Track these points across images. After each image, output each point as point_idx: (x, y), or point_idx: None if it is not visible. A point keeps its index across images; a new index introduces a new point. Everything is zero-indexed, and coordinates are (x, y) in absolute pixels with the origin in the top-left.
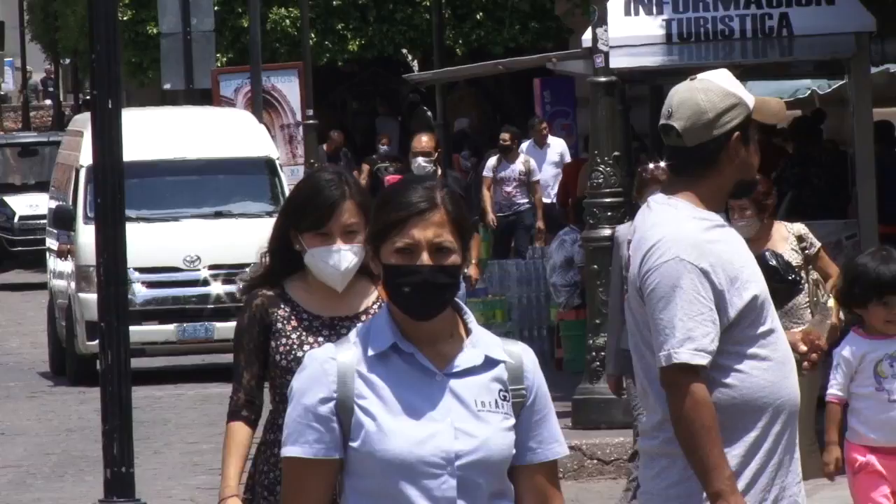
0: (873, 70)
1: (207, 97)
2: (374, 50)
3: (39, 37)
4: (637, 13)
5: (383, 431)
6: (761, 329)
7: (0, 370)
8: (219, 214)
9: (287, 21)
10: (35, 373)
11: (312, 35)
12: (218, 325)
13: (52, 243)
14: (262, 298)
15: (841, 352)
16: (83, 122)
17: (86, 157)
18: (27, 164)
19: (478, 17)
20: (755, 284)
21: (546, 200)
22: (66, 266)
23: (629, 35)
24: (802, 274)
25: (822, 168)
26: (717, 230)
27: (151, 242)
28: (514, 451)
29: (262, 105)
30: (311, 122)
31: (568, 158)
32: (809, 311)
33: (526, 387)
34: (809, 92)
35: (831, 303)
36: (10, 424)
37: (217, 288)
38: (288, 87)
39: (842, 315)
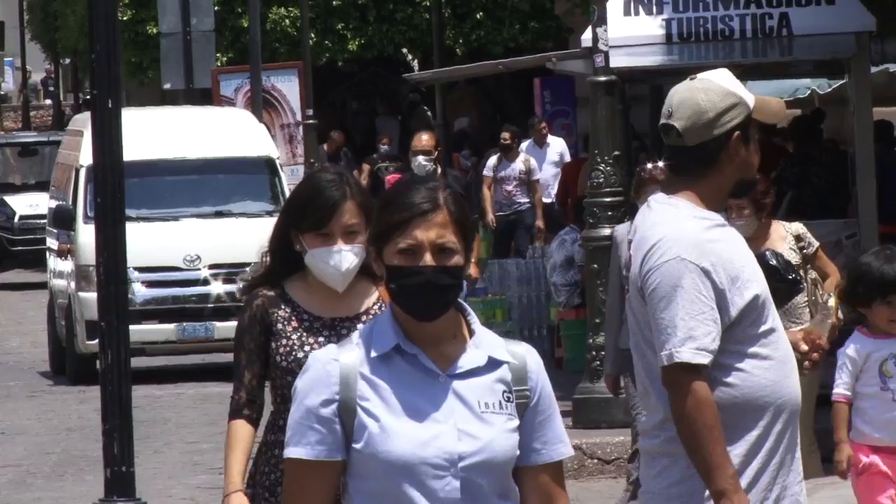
0: (873, 70)
1: (207, 97)
2: (374, 50)
3: (39, 36)
4: (637, 13)
5: (386, 433)
6: (762, 328)
7: (0, 369)
8: (219, 214)
9: (287, 21)
10: (35, 372)
11: (312, 35)
12: (218, 324)
13: (52, 243)
14: (262, 299)
15: (846, 351)
16: (83, 122)
17: (86, 156)
18: (27, 163)
19: (478, 16)
20: (756, 284)
21: (546, 200)
22: (66, 265)
23: (629, 35)
24: (801, 273)
25: (822, 167)
26: (717, 229)
27: (151, 242)
28: (517, 453)
29: (262, 105)
30: (310, 121)
31: (568, 158)
32: (808, 310)
33: (530, 387)
34: (809, 91)
35: (832, 302)
36: (10, 424)
37: (217, 287)
38: (288, 87)
39: (840, 314)
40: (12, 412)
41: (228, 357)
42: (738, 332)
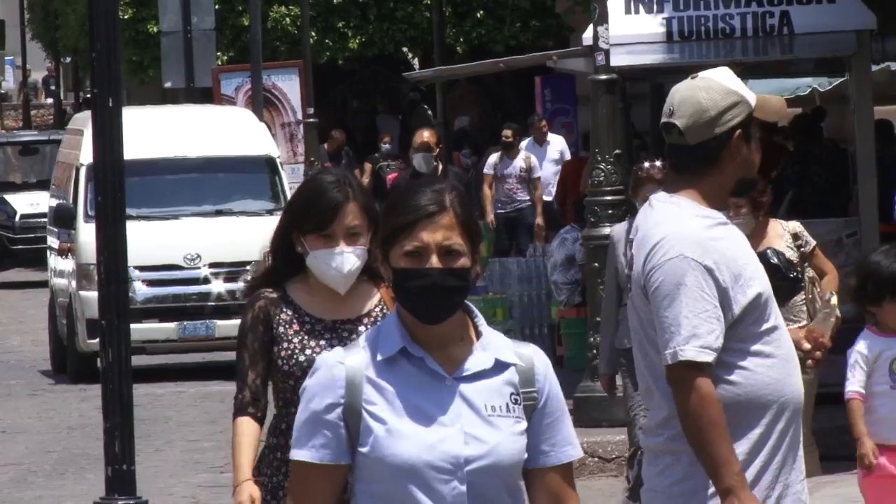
0: (874, 68)
1: (208, 95)
2: (375, 48)
3: (40, 35)
4: (638, 11)
5: (392, 436)
6: (765, 326)
7: (1, 368)
8: (219, 212)
9: (287, 19)
10: (36, 371)
11: (313, 33)
12: (219, 322)
13: (52, 241)
14: (264, 300)
15: (857, 348)
16: (84, 121)
17: (86, 155)
18: (28, 162)
19: (478, 15)
20: (759, 282)
21: (546, 198)
22: (67, 264)
23: (630, 33)
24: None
25: (822, 166)
26: (719, 228)
27: (152, 240)
28: (525, 456)
29: (263, 103)
30: (311, 120)
31: (568, 156)
32: (806, 308)
33: (537, 389)
34: (810, 90)
35: (834, 300)
36: (11, 422)
37: (217, 286)
38: (288, 86)
39: (839, 312)
40: (13, 411)
41: (229, 355)
42: (741, 330)
